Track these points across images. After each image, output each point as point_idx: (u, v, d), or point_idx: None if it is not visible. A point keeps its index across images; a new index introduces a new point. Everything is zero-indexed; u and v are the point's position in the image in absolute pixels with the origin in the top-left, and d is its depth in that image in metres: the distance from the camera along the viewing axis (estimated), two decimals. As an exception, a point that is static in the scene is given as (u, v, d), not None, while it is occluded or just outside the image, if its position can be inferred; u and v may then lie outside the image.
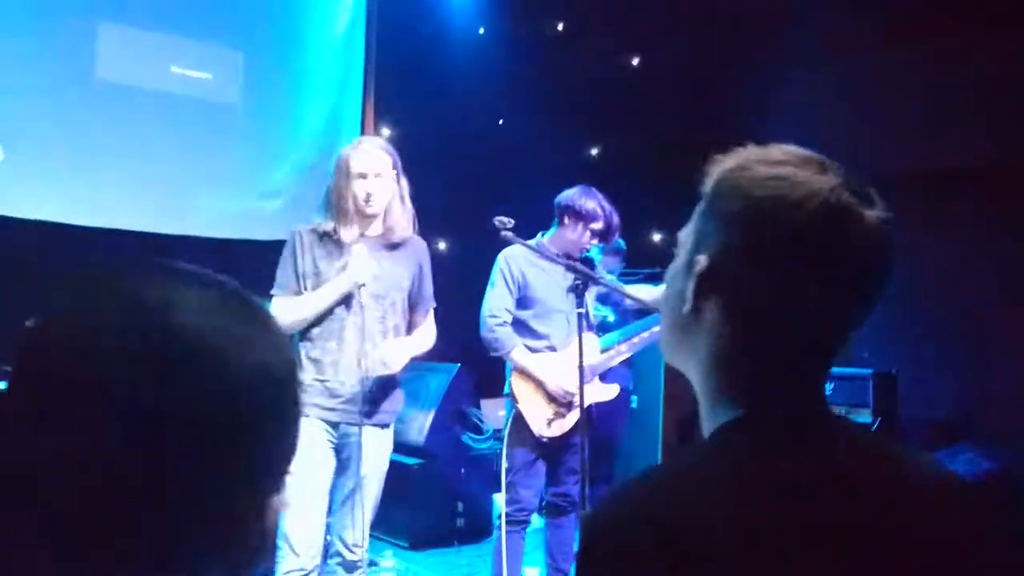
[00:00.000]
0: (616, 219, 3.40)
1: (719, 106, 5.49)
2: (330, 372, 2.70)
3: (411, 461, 4.75)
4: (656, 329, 3.56)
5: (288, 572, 2.61)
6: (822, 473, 0.76)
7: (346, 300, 2.69)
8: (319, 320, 2.70)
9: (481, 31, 6.04)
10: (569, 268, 2.67)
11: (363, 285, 2.65)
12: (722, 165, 0.85)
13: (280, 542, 2.61)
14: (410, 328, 2.91)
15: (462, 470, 4.91)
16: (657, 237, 6.15)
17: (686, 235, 0.88)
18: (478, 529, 4.87)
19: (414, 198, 5.76)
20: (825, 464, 0.77)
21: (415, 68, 5.68)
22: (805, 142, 0.85)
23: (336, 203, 2.75)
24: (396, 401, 2.86)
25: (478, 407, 5.21)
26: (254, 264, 3.39)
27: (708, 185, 0.86)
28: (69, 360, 0.57)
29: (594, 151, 6.40)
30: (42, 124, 4.26)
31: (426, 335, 2.95)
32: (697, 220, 0.87)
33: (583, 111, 6.01)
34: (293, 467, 2.20)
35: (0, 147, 2.24)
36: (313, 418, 2.66)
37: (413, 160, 5.73)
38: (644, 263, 5.26)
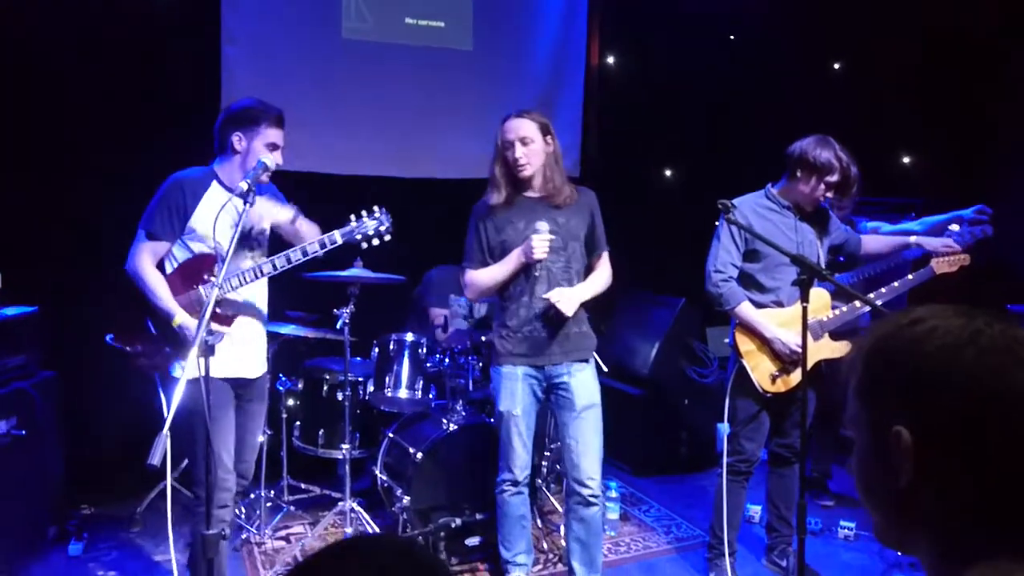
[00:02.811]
0: (854, 170, 3.18)
1: (983, 12, 4.80)
2: (528, 323, 3.05)
3: (635, 391, 4.90)
4: (897, 284, 3.34)
5: (503, 480, 3.18)
6: None
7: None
8: (512, 280, 3.06)
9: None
10: (794, 260, 2.57)
11: (539, 261, 2.95)
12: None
13: (500, 461, 3.18)
14: (588, 271, 3.15)
15: (686, 401, 4.98)
16: (906, 160, 5.61)
17: None
18: (701, 459, 4.97)
19: (641, 125, 5.68)
20: None
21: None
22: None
23: (496, 173, 3.06)
24: (591, 338, 3.16)
25: (703, 340, 5.20)
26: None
27: None
28: None
29: (836, 65, 5.88)
30: (300, 82, 4.71)
31: (599, 277, 3.17)
32: None
33: (824, 21, 5.51)
34: (505, 407, 2.59)
35: (276, 157, 2.63)
36: (519, 366, 3.07)
37: (640, 86, 5.66)
38: (891, 190, 4.85)
